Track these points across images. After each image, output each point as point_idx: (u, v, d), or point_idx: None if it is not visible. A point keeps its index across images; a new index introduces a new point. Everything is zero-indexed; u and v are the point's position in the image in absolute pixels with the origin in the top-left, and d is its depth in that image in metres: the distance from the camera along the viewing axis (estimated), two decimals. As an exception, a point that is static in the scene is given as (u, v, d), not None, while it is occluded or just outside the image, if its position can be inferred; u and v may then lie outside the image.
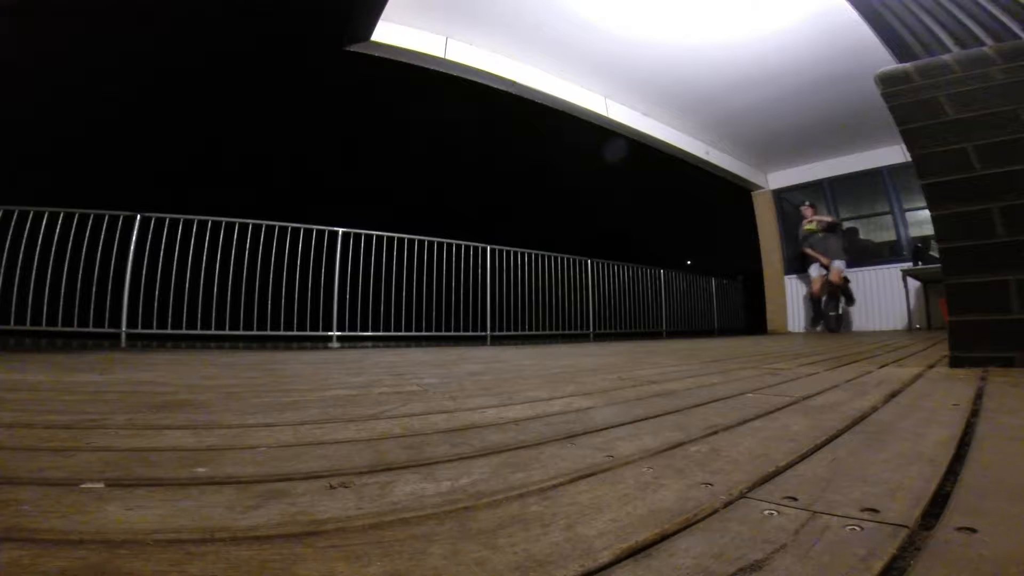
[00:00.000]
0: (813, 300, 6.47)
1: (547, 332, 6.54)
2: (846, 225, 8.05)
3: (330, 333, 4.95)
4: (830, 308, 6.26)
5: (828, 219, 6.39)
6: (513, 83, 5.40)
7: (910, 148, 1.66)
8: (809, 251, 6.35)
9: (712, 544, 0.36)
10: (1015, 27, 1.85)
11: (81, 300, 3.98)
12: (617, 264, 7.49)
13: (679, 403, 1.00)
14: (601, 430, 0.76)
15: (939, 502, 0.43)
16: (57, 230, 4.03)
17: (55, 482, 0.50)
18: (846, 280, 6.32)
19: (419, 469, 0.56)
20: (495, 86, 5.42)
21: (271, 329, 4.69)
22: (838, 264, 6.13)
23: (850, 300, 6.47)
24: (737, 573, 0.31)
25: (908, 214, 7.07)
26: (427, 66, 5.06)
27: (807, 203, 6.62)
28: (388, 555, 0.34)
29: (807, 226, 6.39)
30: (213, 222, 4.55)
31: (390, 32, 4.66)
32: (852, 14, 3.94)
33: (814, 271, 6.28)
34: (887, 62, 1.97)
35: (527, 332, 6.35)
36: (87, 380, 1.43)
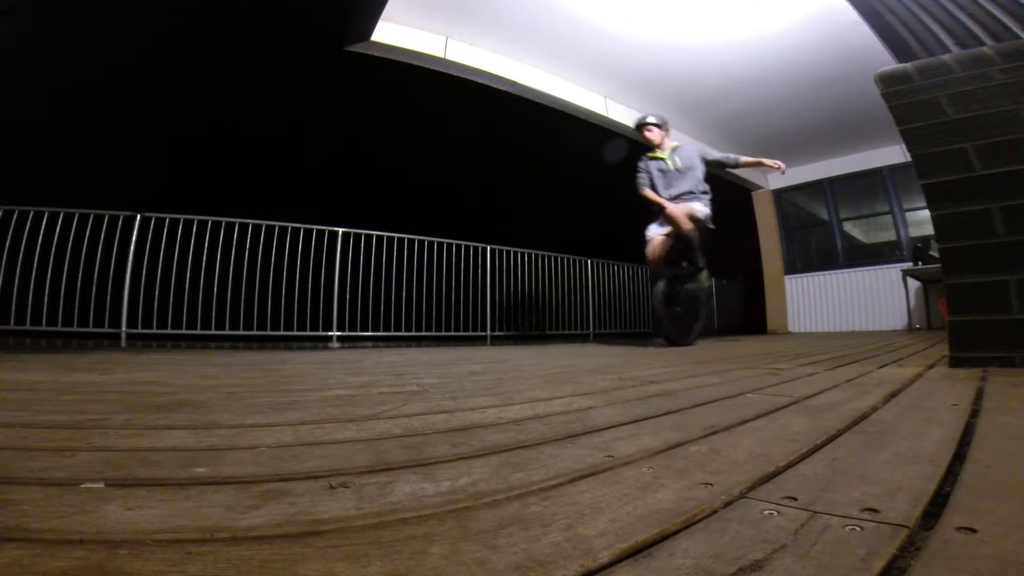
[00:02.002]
0: (652, 273, 3.99)
1: (547, 332, 6.55)
2: (846, 227, 8.05)
3: (330, 333, 4.95)
4: (669, 296, 3.74)
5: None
6: (513, 83, 5.41)
7: (910, 148, 1.67)
8: (650, 194, 3.85)
9: (712, 544, 0.36)
10: (1015, 27, 1.85)
11: (81, 300, 3.98)
12: (617, 264, 7.49)
13: (679, 403, 1.00)
14: (601, 430, 0.76)
15: (939, 502, 0.43)
16: (57, 230, 4.03)
17: (55, 482, 0.49)
18: (699, 224, 3.69)
19: (419, 469, 0.56)
20: (495, 86, 5.42)
21: (271, 329, 4.69)
22: (695, 205, 3.70)
23: (694, 270, 3.81)
24: (737, 573, 0.31)
25: (908, 214, 7.08)
26: (427, 66, 5.07)
27: (650, 120, 3.95)
28: (388, 555, 0.34)
29: (653, 155, 3.95)
30: (213, 222, 4.55)
31: (390, 32, 4.66)
32: (852, 14, 3.95)
33: (654, 229, 3.87)
34: (887, 62, 1.97)
35: (527, 332, 6.35)
36: (87, 380, 1.43)
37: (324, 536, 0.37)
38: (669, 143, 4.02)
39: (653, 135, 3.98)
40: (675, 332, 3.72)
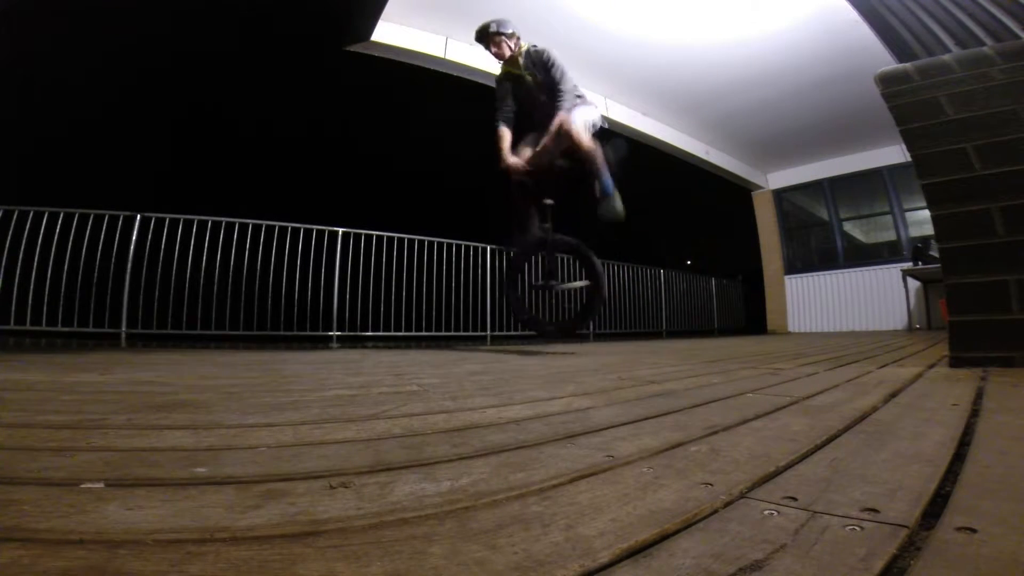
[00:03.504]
0: (516, 221, 3.03)
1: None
2: (846, 227, 8.04)
3: (330, 333, 4.95)
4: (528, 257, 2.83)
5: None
6: (513, 83, 5.39)
7: (910, 148, 1.67)
8: (505, 135, 2.99)
9: (712, 544, 0.36)
10: (1015, 27, 1.85)
11: (81, 300, 3.98)
12: (617, 264, 7.48)
13: (679, 403, 1.00)
14: (601, 430, 0.76)
15: (939, 502, 0.43)
16: (57, 230, 4.04)
17: (55, 482, 0.49)
18: (596, 135, 2.79)
19: (419, 469, 0.56)
20: (495, 86, 5.42)
21: (271, 329, 4.70)
22: (581, 114, 2.76)
23: (601, 196, 2.77)
24: (737, 573, 0.31)
25: (908, 214, 7.09)
26: (427, 66, 5.07)
27: (494, 28, 2.91)
28: (388, 555, 0.34)
29: (509, 69, 2.99)
30: (213, 222, 4.56)
31: (390, 32, 4.67)
32: (852, 14, 3.95)
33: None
34: (887, 62, 1.97)
35: (528, 332, 6.34)
36: (87, 380, 1.43)
37: (324, 536, 0.37)
38: (519, 48, 2.99)
39: (502, 49, 2.94)
40: (521, 313, 2.57)
